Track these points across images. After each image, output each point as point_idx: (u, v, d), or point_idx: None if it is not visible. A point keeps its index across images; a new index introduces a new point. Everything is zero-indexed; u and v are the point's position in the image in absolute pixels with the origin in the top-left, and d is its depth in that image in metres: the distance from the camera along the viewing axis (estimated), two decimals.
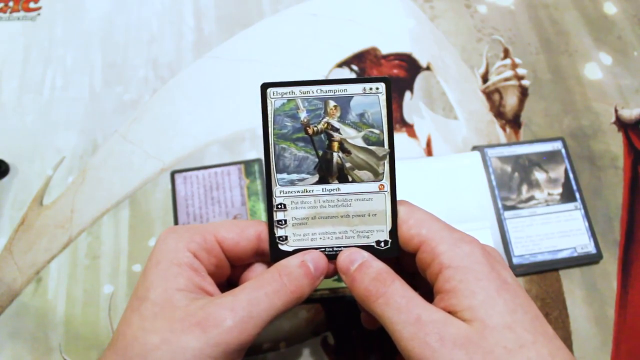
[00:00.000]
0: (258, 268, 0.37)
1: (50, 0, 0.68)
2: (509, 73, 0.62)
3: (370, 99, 0.34)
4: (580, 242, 0.52)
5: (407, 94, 0.61)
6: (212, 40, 0.64)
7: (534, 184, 0.54)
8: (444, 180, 0.53)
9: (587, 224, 0.52)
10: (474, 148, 0.56)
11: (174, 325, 0.30)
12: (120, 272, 0.52)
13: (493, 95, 0.60)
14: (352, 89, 0.34)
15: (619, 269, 0.52)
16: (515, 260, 0.51)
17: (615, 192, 0.55)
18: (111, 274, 0.52)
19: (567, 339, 0.49)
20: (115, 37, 0.65)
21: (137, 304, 0.32)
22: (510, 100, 0.60)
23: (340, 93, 0.34)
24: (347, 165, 0.34)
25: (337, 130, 0.34)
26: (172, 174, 0.55)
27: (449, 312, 0.30)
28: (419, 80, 0.61)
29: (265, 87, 0.34)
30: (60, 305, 0.51)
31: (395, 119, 0.59)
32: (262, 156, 0.55)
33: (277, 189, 0.34)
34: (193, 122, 0.59)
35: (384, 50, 0.63)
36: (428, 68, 0.62)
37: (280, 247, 0.35)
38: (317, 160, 0.34)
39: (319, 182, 0.34)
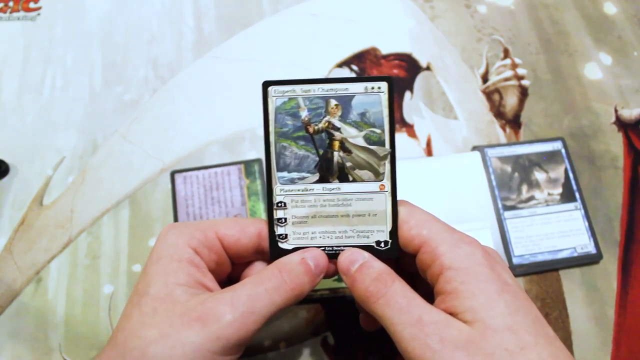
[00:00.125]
0: (259, 266, 0.37)
1: (50, 0, 0.68)
2: (509, 73, 0.62)
3: (371, 98, 0.34)
4: (580, 242, 0.52)
5: (407, 94, 0.61)
6: (212, 40, 0.64)
7: (534, 184, 0.54)
8: (444, 180, 0.53)
9: (587, 224, 0.52)
10: (474, 148, 0.56)
11: (174, 319, 0.30)
12: (120, 272, 0.52)
13: (493, 95, 0.60)
14: (353, 87, 0.34)
15: (619, 269, 0.52)
16: (515, 260, 0.51)
17: (615, 192, 0.55)
18: (111, 274, 0.52)
19: (567, 339, 0.49)
20: (115, 37, 0.65)
21: (137, 299, 0.32)
22: (510, 100, 0.60)
23: (341, 92, 0.34)
24: (348, 164, 0.34)
25: (338, 129, 0.34)
26: (172, 174, 0.55)
27: (450, 314, 0.30)
28: (419, 80, 0.61)
29: (266, 85, 0.34)
30: (60, 305, 0.51)
31: (396, 119, 0.59)
32: (262, 156, 0.55)
33: (277, 187, 0.34)
34: (193, 122, 0.59)
35: (384, 50, 0.63)
36: (428, 68, 0.62)
37: (280, 245, 0.35)
38: (317, 159, 0.34)
39: (319, 181, 0.34)
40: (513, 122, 0.59)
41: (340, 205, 0.34)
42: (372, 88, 0.34)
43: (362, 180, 0.34)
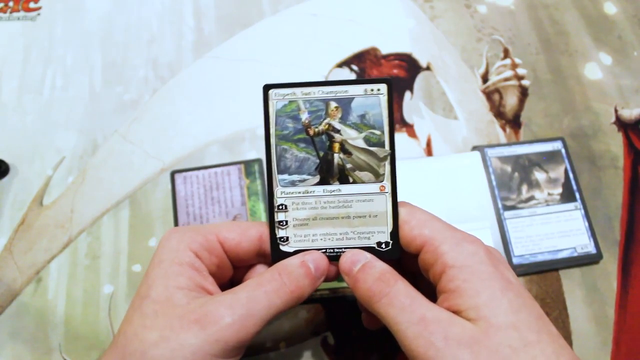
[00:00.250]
0: (260, 269, 0.37)
1: (50, 0, 0.68)
2: (509, 73, 0.62)
3: (371, 100, 0.34)
4: (580, 242, 0.52)
5: (407, 94, 0.61)
6: (212, 40, 0.64)
7: (534, 184, 0.54)
8: (444, 180, 0.53)
9: (587, 224, 0.52)
10: (474, 148, 0.56)
11: (173, 322, 0.30)
12: (120, 272, 0.52)
13: (493, 95, 0.60)
14: (353, 90, 0.34)
15: (619, 269, 0.52)
16: (515, 260, 0.51)
17: (615, 192, 0.55)
18: (111, 274, 0.52)
19: (567, 339, 0.49)
20: (115, 37, 0.65)
21: (138, 303, 0.32)
22: (510, 100, 0.60)
23: (341, 94, 0.34)
24: (348, 166, 0.34)
25: (338, 131, 0.34)
26: (172, 174, 0.55)
27: (453, 312, 0.30)
28: (419, 80, 0.61)
29: (267, 88, 0.34)
30: (60, 305, 0.51)
31: (396, 119, 0.59)
32: (262, 156, 0.55)
33: (278, 190, 0.34)
34: (193, 122, 0.59)
35: (384, 50, 0.63)
36: (428, 68, 0.62)
37: (281, 247, 0.35)
38: (318, 161, 0.34)
39: (319, 183, 0.34)
40: (513, 122, 0.59)
41: (341, 207, 0.34)
42: (372, 90, 0.34)
43: (363, 182, 0.34)
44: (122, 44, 0.65)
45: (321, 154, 0.34)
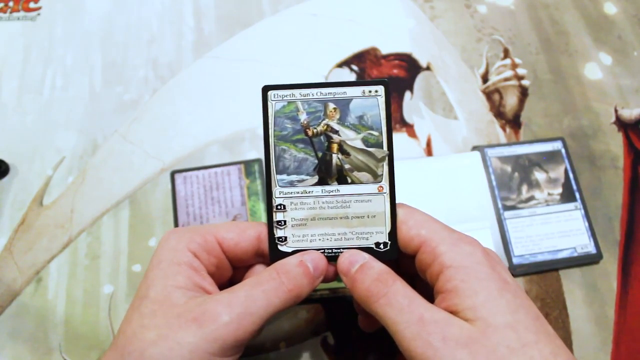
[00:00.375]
0: (259, 269, 0.37)
1: (50, 0, 0.68)
2: (509, 73, 0.62)
3: (369, 101, 0.34)
4: (580, 242, 0.52)
5: (407, 94, 0.61)
6: (212, 40, 0.64)
7: (534, 184, 0.54)
8: (444, 180, 0.53)
9: (587, 224, 0.52)
10: (474, 148, 0.56)
11: (171, 321, 0.30)
12: (120, 272, 0.52)
13: (493, 95, 0.60)
14: (351, 91, 0.34)
15: (619, 269, 0.52)
16: (515, 260, 0.51)
17: (615, 192, 0.55)
18: (111, 274, 0.52)
19: (567, 339, 0.49)
20: (115, 37, 0.65)
21: (137, 303, 0.32)
22: (510, 100, 0.60)
23: (339, 95, 0.34)
24: (347, 166, 0.34)
25: (336, 132, 0.34)
26: (172, 174, 0.55)
27: (451, 312, 0.30)
28: (419, 80, 0.61)
29: (266, 89, 0.34)
30: (60, 305, 0.51)
31: (395, 119, 0.59)
32: (262, 156, 0.55)
33: (276, 190, 0.34)
34: (193, 122, 0.59)
35: (384, 50, 0.63)
36: (428, 68, 0.62)
37: (280, 247, 0.35)
38: (316, 161, 0.34)
39: (318, 184, 0.34)
40: (513, 122, 0.59)
41: (339, 207, 0.34)
42: (370, 92, 0.34)
43: (361, 182, 0.34)
44: (122, 44, 0.65)
45: (320, 154, 0.34)
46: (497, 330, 0.28)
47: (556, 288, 0.51)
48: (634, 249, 0.53)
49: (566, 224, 0.52)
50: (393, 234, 0.34)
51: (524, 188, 0.53)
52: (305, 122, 0.34)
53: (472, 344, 0.28)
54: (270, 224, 0.35)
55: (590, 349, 0.48)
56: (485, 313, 0.29)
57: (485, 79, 0.61)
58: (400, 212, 0.34)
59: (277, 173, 0.34)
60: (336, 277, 0.35)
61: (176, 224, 0.53)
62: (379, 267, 0.33)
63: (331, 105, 0.34)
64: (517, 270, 0.50)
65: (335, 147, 0.34)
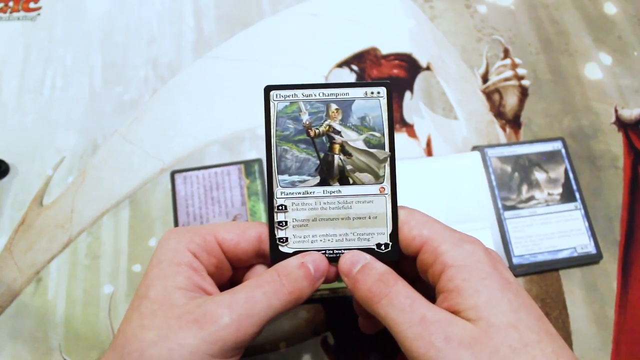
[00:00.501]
0: (260, 269, 0.37)
1: (50, 0, 0.68)
2: (509, 73, 0.62)
3: (371, 102, 0.34)
4: (580, 242, 0.52)
5: (407, 94, 0.61)
6: (212, 40, 0.64)
7: (534, 184, 0.54)
8: (444, 180, 0.53)
9: (587, 224, 0.52)
10: (474, 148, 0.56)
11: (172, 321, 0.30)
12: (120, 272, 0.52)
13: (493, 95, 0.60)
14: (353, 92, 0.34)
15: (619, 269, 0.52)
16: (515, 260, 0.51)
17: (615, 192, 0.55)
18: (111, 274, 0.52)
19: (567, 339, 0.49)
20: (115, 37, 0.65)
21: (137, 303, 0.32)
22: (510, 100, 0.60)
23: (342, 96, 0.34)
24: (348, 167, 0.34)
25: (338, 132, 0.34)
26: (172, 174, 0.55)
27: (453, 312, 0.30)
28: (419, 80, 0.61)
29: (268, 89, 0.34)
30: (60, 305, 0.51)
31: (395, 119, 0.59)
32: (262, 156, 0.55)
33: (278, 190, 0.34)
34: (193, 122, 0.59)
35: (384, 50, 0.63)
36: (428, 68, 0.62)
37: (281, 248, 0.35)
38: (318, 162, 0.34)
39: (320, 184, 0.34)
40: (513, 122, 0.59)
41: (341, 208, 0.34)
42: (372, 93, 0.34)
43: (363, 183, 0.34)
44: (122, 44, 0.64)
45: (321, 155, 0.34)
46: (499, 330, 0.28)
47: (556, 288, 0.51)
48: (634, 249, 0.53)
49: (566, 224, 0.52)
50: (394, 235, 0.34)
51: (524, 188, 0.54)
52: (307, 123, 0.34)
53: (474, 344, 0.28)
54: (272, 225, 0.35)
55: (590, 349, 0.49)
56: (487, 313, 0.29)
57: (485, 79, 0.61)
58: (401, 213, 0.34)
59: (278, 173, 0.34)
60: (337, 278, 0.35)
61: (176, 224, 0.53)
62: (380, 267, 0.33)
63: (333, 106, 0.34)
64: (517, 270, 0.50)
65: (337, 147, 0.34)
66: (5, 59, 0.64)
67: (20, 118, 0.60)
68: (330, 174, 0.34)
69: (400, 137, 0.58)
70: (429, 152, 0.57)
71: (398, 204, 0.34)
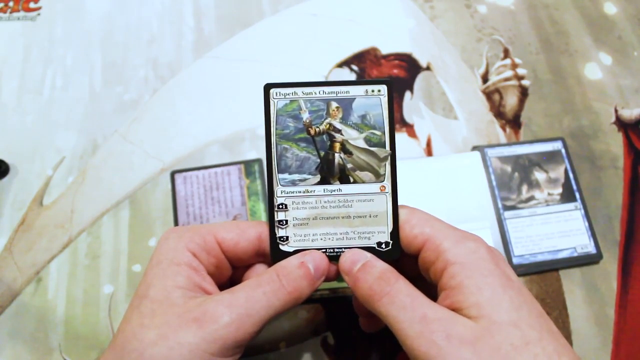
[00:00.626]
0: (260, 268, 0.37)
1: (50, 0, 0.68)
2: (509, 73, 0.62)
3: (372, 100, 0.34)
4: (580, 242, 0.52)
5: (407, 94, 0.61)
6: (212, 40, 0.64)
7: (534, 184, 0.54)
8: (444, 180, 0.53)
9: (587, 224, 0.52)
10: (474, 148, 0.56)
11: (171, 321, 0.30)
12: (120, 272, 0.52)
13: (493, 95, 0.60)
14: (354, 90, 0.34)
15: (619, 269, 0.52)
16: (515, 260, 0.51)
17: (615, 192, 0.55)
18: (111, 274, 0.52)
19: (567, 339, 0.48)
20: (115, 37, 0.65)
21: (137, 302, 0.32)
22: (510, 100, 0.60)
23: (342, 95, 0.34)
24: (349, 166, 0.34)
25: (339, 131, 0.34)
26: (172, 174, 0.55)
27: (454, 309, 0.30)
28: (419, 80, 0.61)
29: (268, 87, 0.34)
30: (60, 305, 0.51)
31: (396, 119, 0.59)
32: (262, 156, 0.55)
33: (278, 189, 0.34)
34: (193, 122, 0.59)
35: (384, 50, 0.63)
36: (428, 68, 0.62)
37: (281, 247, 0.35)
38: (318, 160, 0.34)
39: (320, 183, 0.34)
40: (513, 122, 0.59)
41: (341, 207, 0.34)
42: (372, 91, 0.34)
43: (363, 182, 0.34)
44: (122, 44, 0.65)
45: (322, 153, 0.34)
46: (501, 328, 0.28)
47: (556, 288, 0.51)
48: (634, 249, 0.53)
49: (566, 224, 0.52)
50: (395, 233, 0.34)
51: (524, 188, 0.53)
52: (307, 121, 0.34)
53: (476, 342, 0.28)
54: (272, 224, 0.35)
55: (590, 349, 0.49)
56: (489, 310, 0.29)
57: (485, 79, 0.61)
58: (402, 211, 0.34)
59: (278, 172, 0.34)
60: (337, 276, 0.35)
61: (176, 224, 0.53)
62: (381, 265, 0.33)
63: (334, 104, 0.34)
64: (517, 270, 0.50)
65: (337, 146, 0.34)
66: (5, 59, 0.64)
67: (20, 118, 0.60)
68: (330, 172, 0.34)
69: (400, 137, 0.58)
70: (429, 152, 0.57)
71: (399, 204, 0.34)
